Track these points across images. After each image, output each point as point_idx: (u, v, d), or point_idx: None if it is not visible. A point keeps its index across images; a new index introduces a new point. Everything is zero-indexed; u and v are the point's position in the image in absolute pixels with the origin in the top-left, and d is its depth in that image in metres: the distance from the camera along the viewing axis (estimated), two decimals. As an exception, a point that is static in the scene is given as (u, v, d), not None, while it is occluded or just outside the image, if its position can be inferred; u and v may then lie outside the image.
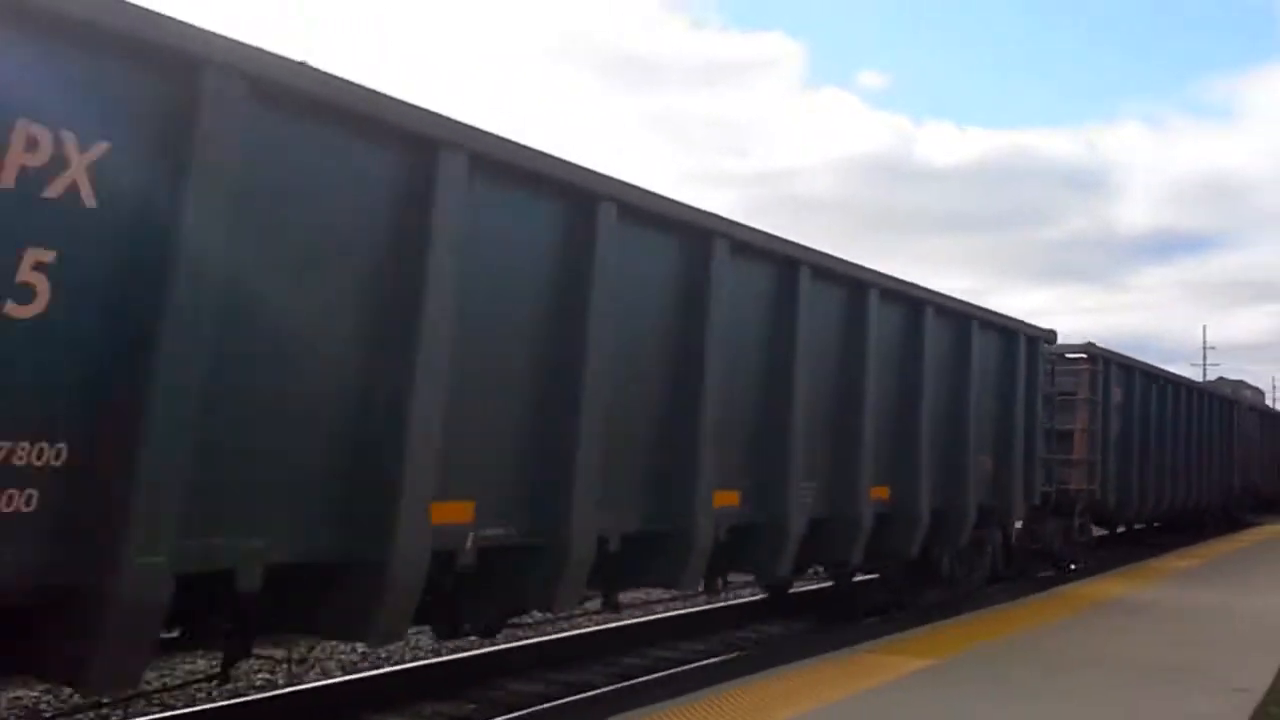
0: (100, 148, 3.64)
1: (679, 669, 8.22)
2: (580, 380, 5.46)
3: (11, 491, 3.45)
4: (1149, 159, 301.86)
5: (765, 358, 7.12)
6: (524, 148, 5.18)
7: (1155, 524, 19.49)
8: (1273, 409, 36.44)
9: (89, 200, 3.62)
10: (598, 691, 7.37)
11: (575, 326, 5.46)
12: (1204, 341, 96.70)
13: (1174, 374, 18.58)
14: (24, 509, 3.47)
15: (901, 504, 8.76)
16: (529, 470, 5.35)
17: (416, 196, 4.69)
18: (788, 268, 7.25)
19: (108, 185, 3.66)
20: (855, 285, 8.11)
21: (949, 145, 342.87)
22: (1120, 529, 18.09)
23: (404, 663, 8.14)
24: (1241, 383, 59.12)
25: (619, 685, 7.60)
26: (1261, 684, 6.49)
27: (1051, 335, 11.93)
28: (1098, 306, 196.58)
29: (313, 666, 7.94)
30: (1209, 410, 20.14)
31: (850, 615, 10.75)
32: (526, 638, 8.64)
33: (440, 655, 8.33)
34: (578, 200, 5.50)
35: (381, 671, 7.71)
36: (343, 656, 8.32)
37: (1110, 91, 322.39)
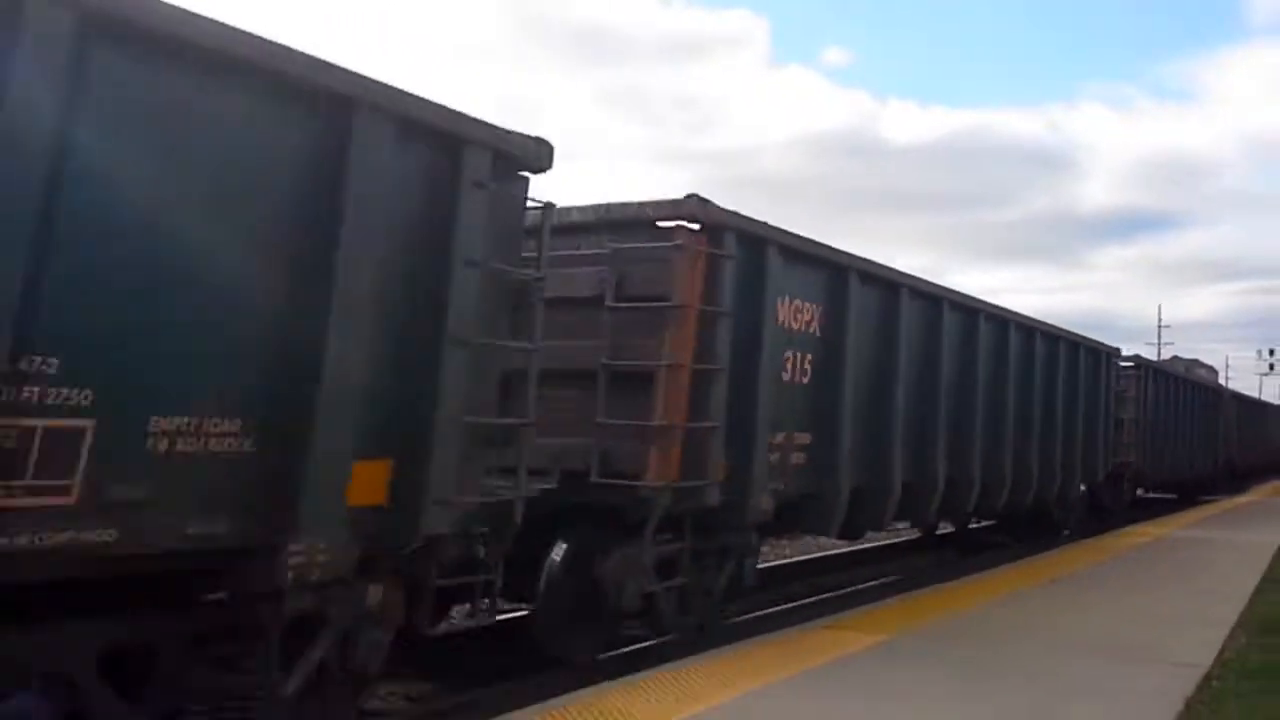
0: (819, 307, 8.65)
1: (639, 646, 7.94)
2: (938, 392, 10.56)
3: (796, 454, 8.48)
4: (1111, 139, 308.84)
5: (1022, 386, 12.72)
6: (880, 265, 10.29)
7: (1151, 492, 23.38)
8: (1250, 397, 41.09)
9: (819, 331, 8.64)
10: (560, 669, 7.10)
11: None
12: (1159, 320, 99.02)
13: (1182, 374, 24.08)
14: (802, 464, 8.51)
15: (1045, 467, 13.94)
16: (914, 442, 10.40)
17: (915, 319, 9.73)
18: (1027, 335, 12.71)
19: (822, 324, 8.67)
20: (1038, 336, 13.29)
21: (912, 124, 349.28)
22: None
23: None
24: (1196, 361, 60.54)
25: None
26: (1206, 658, 6.86)
27: (1118, 351, 17.29)
28: (1058, 285, 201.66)
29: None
30: (1203, 401, 25.87)
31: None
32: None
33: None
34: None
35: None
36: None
37: (1073, 72, 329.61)
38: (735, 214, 7.39)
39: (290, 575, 4.34)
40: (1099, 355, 16.23)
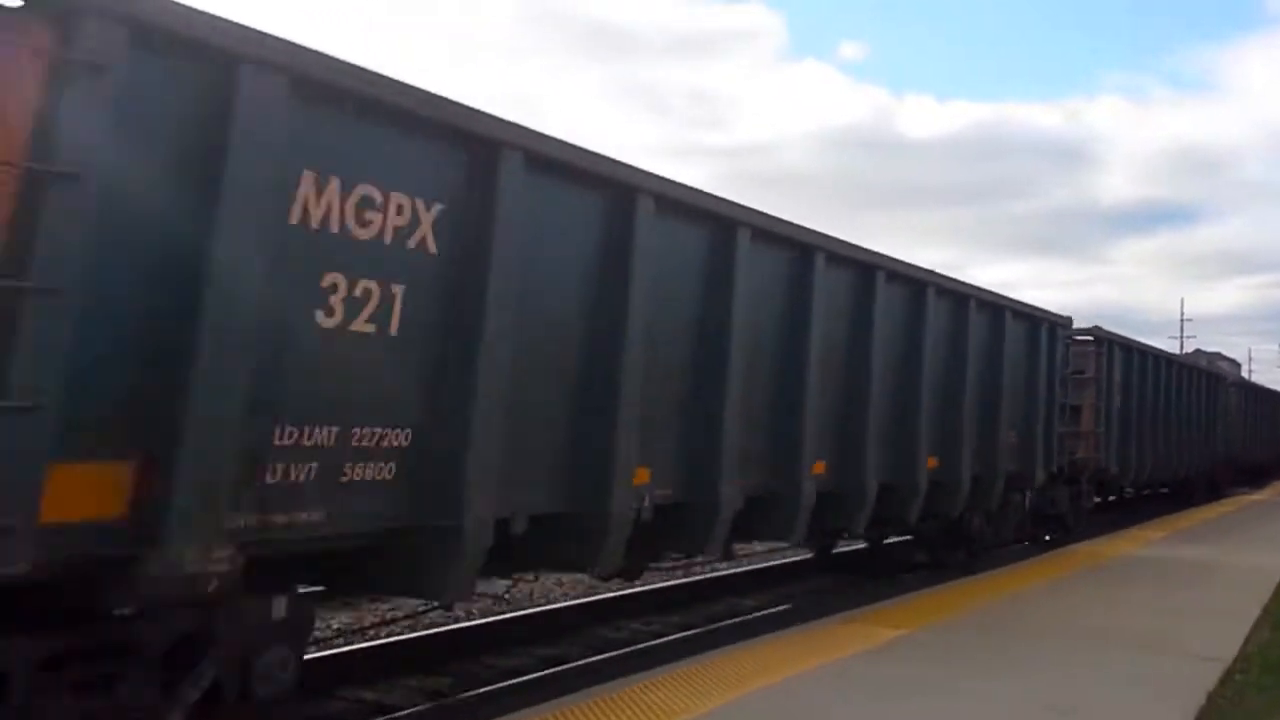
0: (1119, 368, 16.85)
1: (654, 643, 8.49)
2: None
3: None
4: (1130, 131, 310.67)
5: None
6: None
7: (1147, 490, 21.83)
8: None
9: (1120, 378, 16.86)
10: (568, 666, 7.68)
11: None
12: (1181, 314, 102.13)
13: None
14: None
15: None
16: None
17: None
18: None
19: (1122, 375, 16.85)
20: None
21: (930, 118, 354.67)
22: (1110, 496, 19.85)
23: (380, 638, 8.06)
24: (1218, 354, 61.62)
25: (590, 659, 7.88)
26: (1229, 652, 7.06)
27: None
28: (1078, 279, 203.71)
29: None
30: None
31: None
32: (503, 612, 9.04)
33: (417, 630, 8.33)
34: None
35: (358, 647, 7.65)
36: (318, 633, 7.52)
37: (1091, 64, 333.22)
38: (1104, 330, 15.70)
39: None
40: (1215, 380, 24.57)
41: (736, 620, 9.60)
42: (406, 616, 7.93)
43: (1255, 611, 8.73)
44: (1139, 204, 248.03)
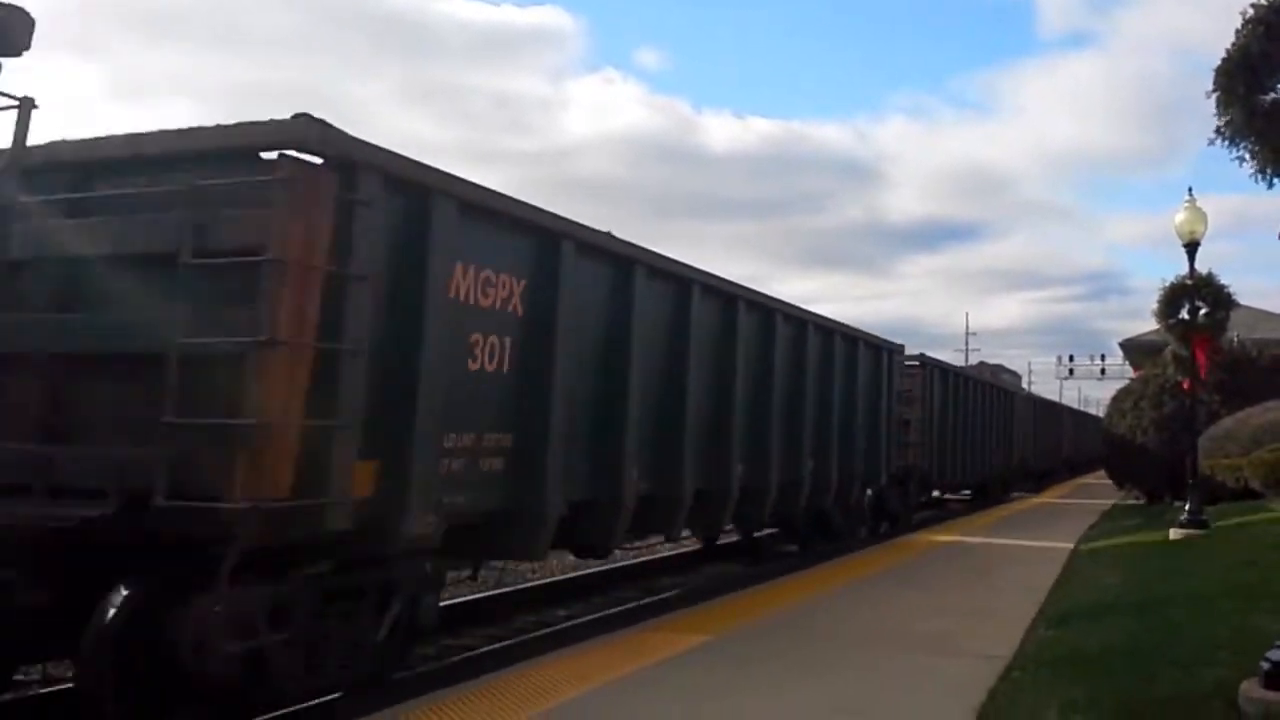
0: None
1: (469, 654, 7.99)
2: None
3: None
4: (917, 151, 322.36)
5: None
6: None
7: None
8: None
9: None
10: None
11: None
12: (966, 327, 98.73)
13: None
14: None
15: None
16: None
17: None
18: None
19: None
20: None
21: (730, 132, 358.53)
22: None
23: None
24: (1000, 366, 60.18)
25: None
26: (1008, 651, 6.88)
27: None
28: (870, 293, 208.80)
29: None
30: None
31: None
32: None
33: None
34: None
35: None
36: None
37: (880, 84, 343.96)
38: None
39: None
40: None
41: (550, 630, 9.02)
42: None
43: None
44: (926, 221, 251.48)
